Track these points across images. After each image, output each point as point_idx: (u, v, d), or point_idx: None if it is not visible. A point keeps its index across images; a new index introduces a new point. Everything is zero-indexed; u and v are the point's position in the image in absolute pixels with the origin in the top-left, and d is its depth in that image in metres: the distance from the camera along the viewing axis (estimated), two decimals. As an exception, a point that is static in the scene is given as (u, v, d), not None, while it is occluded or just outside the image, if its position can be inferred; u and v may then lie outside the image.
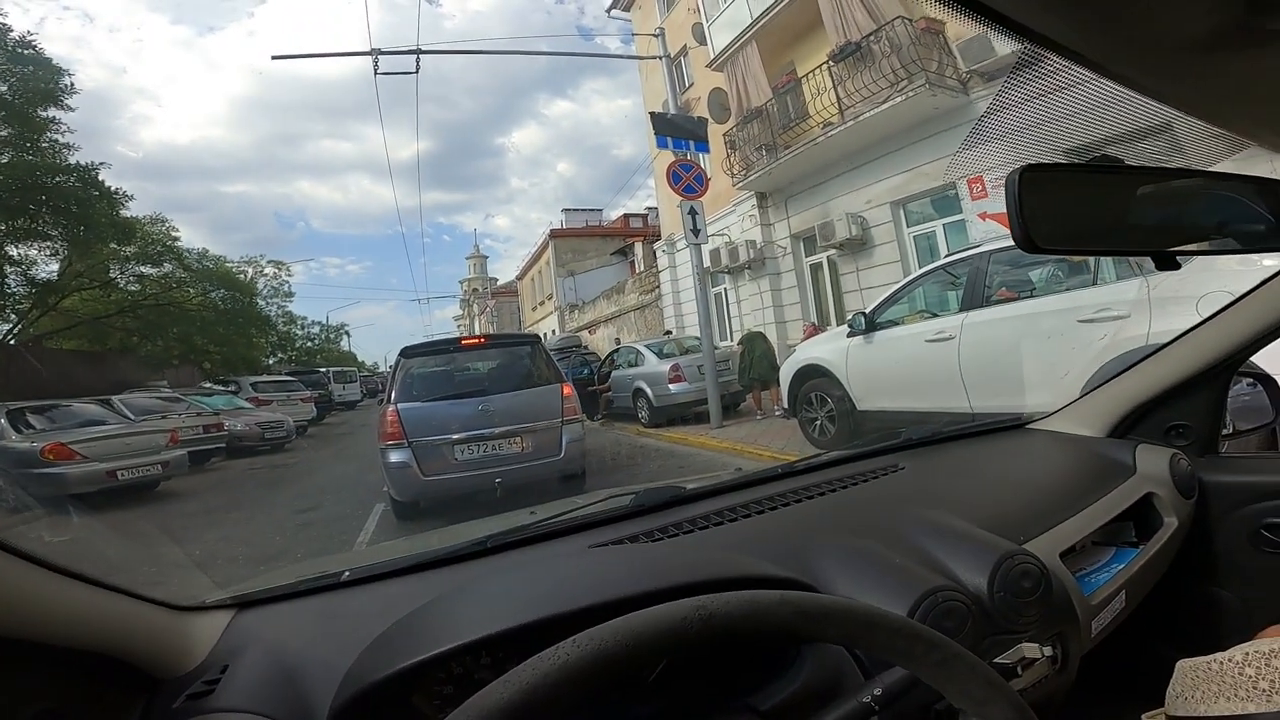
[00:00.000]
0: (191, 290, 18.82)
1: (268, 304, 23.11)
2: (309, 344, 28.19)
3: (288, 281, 23.46)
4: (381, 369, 42.34)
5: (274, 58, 16.70)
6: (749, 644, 0.64)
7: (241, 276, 21.32)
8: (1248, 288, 1.23)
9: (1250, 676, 0.76)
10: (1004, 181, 0.60)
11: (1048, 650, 0.84)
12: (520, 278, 36.09)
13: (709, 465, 6.49)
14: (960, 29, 8.09)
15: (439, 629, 0.67)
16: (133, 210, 15.61)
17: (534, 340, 5.90)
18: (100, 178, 13.81)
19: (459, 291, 61.16)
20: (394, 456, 4.72)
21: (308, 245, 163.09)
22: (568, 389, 5.33)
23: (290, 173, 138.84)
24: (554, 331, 24.34)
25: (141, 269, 17.53)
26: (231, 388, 15.18)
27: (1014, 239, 0.59)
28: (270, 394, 15.00)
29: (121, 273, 17.25)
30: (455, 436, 4.82)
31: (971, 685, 0.55)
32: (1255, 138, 0.58)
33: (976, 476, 1.32)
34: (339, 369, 25.29)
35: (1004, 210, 0.61)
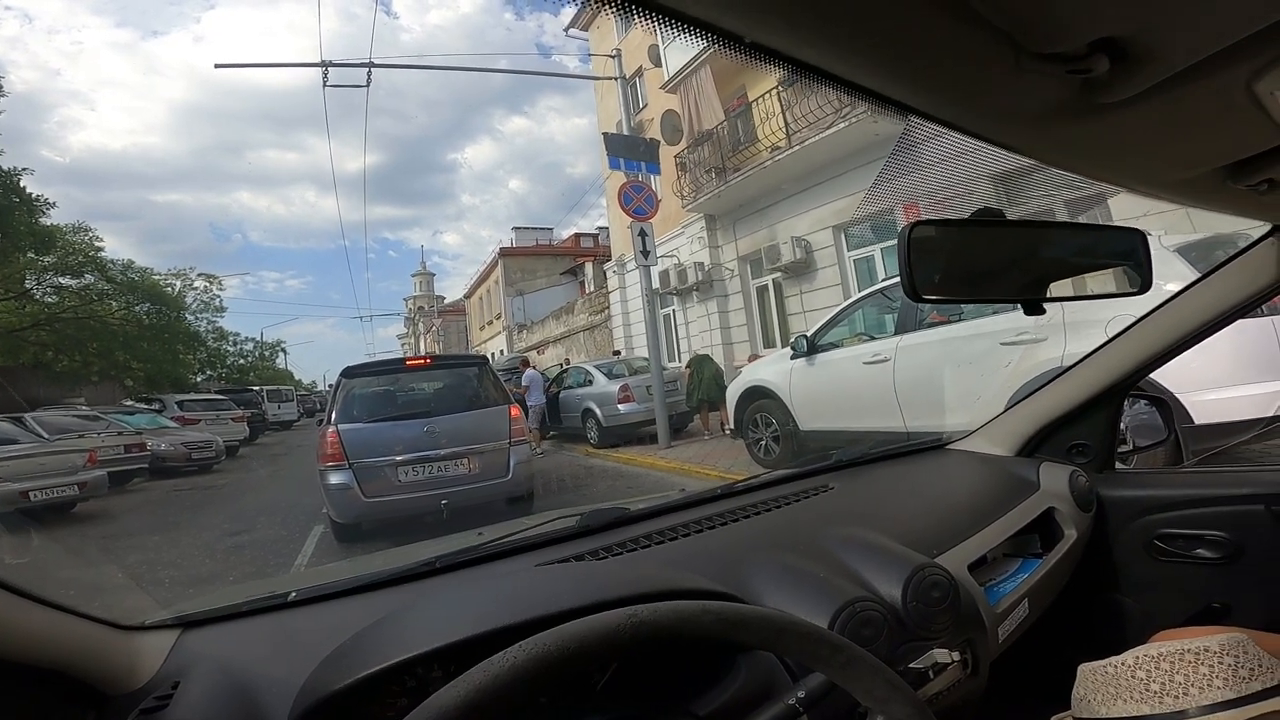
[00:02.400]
0: (114, 303, 18.03)
1: (197, 319, 22.46)
2: (241, 361, 27.18)
3: (219, 296, 22.83)
4: (320, 388, 41.04)
5: (217, 66, 15.78)
6: (676, 648, 0.69)
7: (169, 290, 20.54)
8: (1141, 313, 1.35)
9: (1142, 679, 0.83)
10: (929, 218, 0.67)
11: (958, 655, 0.91)
12: (468, 296, 35.53)
13: (657, 485, 6.54)
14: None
15: (393, 642, 0.69)
16: (55, 218, 14.95)
17: (481, 361, 5.89)
18: (21, 184, 13.14)
19: (403, 309, 59.88)
20: (334, 478, 4.61)
21: (245, 258, 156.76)
22: (515, 411, 5.33)
23: (229, 183, 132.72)
24: (502, 351, 24.06)
25: (60, 280, 16.75)
26: (155, 406, 14.60)
27: (903, 289, 0.66)
28: (198, 413, 14.49)
29: (38, 283, 16.41)
30: (399, 458, 4.74)
31: (874, 685, 0.62)
32: (1123, 185, 0.67)
33: (898, 495, 1.40)
34: (274, 387, 24.47)
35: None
